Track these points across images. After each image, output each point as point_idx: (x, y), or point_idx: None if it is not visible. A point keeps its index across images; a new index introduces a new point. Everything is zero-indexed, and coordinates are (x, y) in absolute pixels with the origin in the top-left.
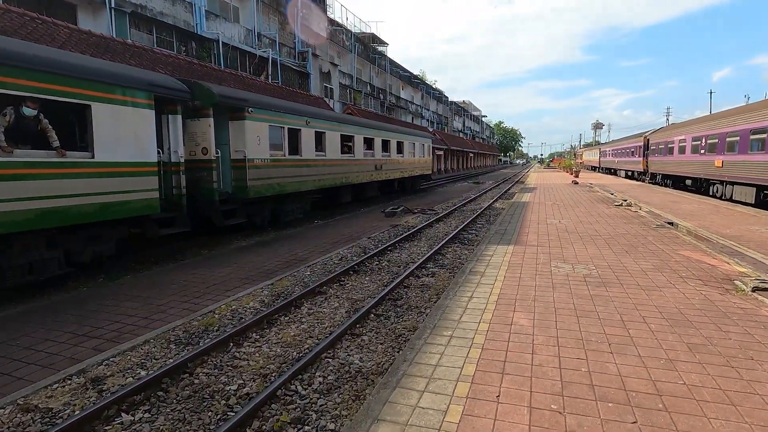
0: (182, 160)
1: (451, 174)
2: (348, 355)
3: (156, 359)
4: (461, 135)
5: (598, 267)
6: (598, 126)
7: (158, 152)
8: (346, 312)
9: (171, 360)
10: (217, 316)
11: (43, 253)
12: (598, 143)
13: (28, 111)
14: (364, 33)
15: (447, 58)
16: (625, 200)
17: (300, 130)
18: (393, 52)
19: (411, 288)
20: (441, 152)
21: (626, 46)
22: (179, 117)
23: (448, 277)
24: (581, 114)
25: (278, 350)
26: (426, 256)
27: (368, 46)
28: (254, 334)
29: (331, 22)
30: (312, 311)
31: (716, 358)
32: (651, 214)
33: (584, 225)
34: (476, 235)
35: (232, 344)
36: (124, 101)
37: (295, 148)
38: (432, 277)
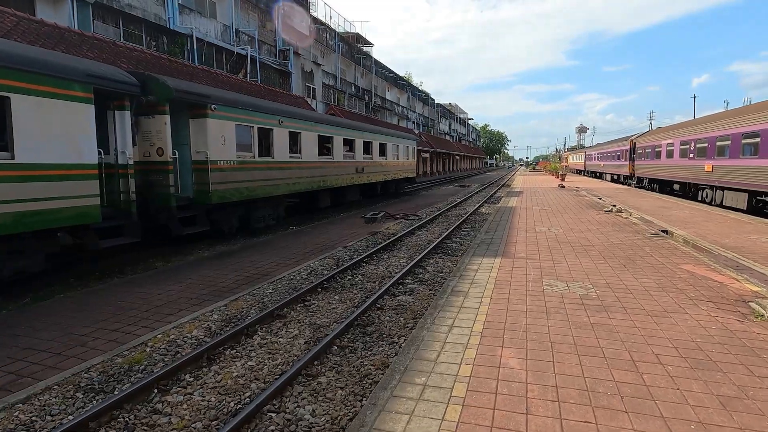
0: (130, 162)
1: (437, 177)
2: (297, 405)
3: (52, 415)
4: (448, 137)
5: (595, 285)
6: (582, 130)
7: (99, 153)
8: (305, 343)
9: (70, 417)
10: (148, 350)
11: None
12: (582, 147)
13: None
14: (348, 33)
15: (434, 61)
16: (614, 205)
17: (272, 129)
18: (379, 54)
19: (385, 310)
20: (427, 155)
21: (609, 52)
22: (128, 113)
23: (428, 295)
24: (566, 117)
25: (212, 399)
26: (405, 270)
27: (353, 46)
28: (188, 376)
29: (315, 20)
30: (265, 341)
31: (758, 421)
32: (643, 221)
33: (575, 233)
34: (461, 245)
35: (156, 391)
36: (53, 93)
37: (266, 149)
38: (410, 295)
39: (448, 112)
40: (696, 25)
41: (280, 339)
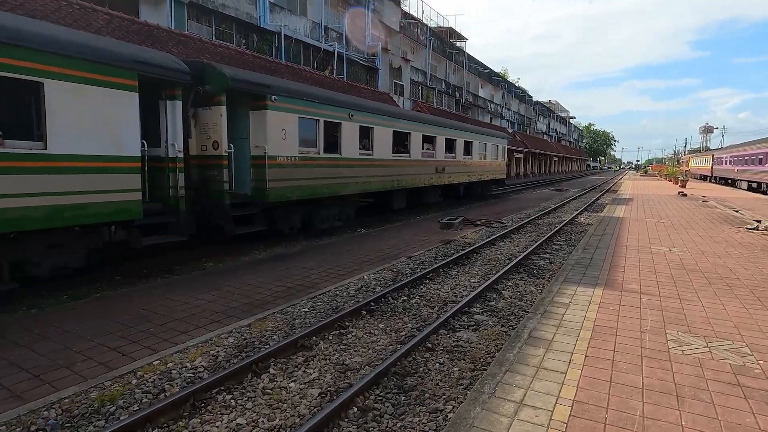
0: (180, 155)
1: (531, 179)
2: None
3: None
4: (545, 137)
5: (755, 348)
6: (708, 130)
7: (143, 144)
8: (319, 395)
9: None
10: (134, 381)
11: None
12: (708, 149)
13: None
14: (441, 27)
15: (532, 58)
16: (759, 221)
17: (340, 124)
18: (473, 50)
19: (436, 352)
20: (520, 155)
21: (743, 41)
22: (179, 103)
23: (497, 334)
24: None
25: None
26: (474, 293)
27: (445, 41)
28: None
29: (405, 15)
30: (272, 386)
31: None
32: None
33: (709, 258)
34: (550, 263)
35: None
36: (91, 79)
37: (333, 144)
38: (474, 331)
39: (546, 110)
40: None
41: (291, 384)
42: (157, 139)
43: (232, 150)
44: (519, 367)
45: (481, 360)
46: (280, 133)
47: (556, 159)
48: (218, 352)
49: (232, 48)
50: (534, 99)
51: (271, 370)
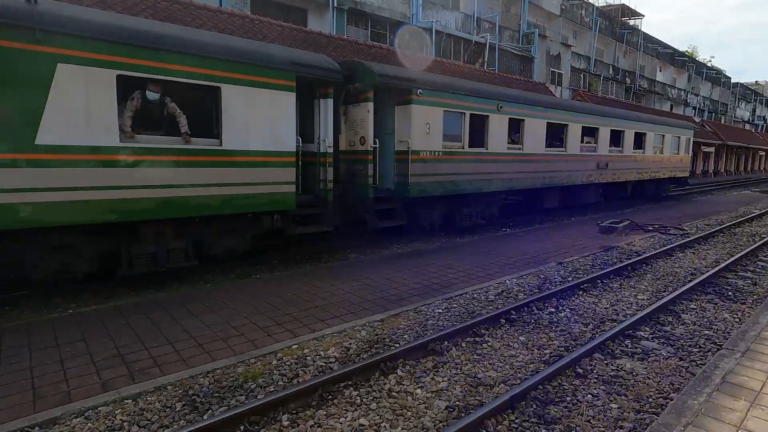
0: (329, 151)
1: (725, 178)
2: None
3: (139, 426)
4: (748, 126)
5: None
6: None
7: (298, 141)
8: (446, 408)
9: None
10: (274, 362)
11: (170, 244)
12: None
13: (151, 95)
14: (610, 5)
15: (735, 31)
16: None
17: (487, 117)
18: (650, 28)
19: (589, 380)
20: (711, 149)
21: None
22: (331, 101)
23: (672, 368)
24: None
25: None
26: (643, 313)
27: (615, 20)
28: (285, 417)
29: None
30: (399, 389)
31: None
32: None
33: None
34: (753, 284)
35: (242, 429)
36: (257, 82)
37: (478, 138)
38: (640, 360)
39: (751, 93)
40: None
41: (418, 391)
42: (311, 135)
43: (378, 145)
44: (707, 422)
45: (650, 400)
46: (424, 127)
47: (762, 154)
48: (350, 344)
49: (385, 47)
50: (733, 81)
51: (399, 372)
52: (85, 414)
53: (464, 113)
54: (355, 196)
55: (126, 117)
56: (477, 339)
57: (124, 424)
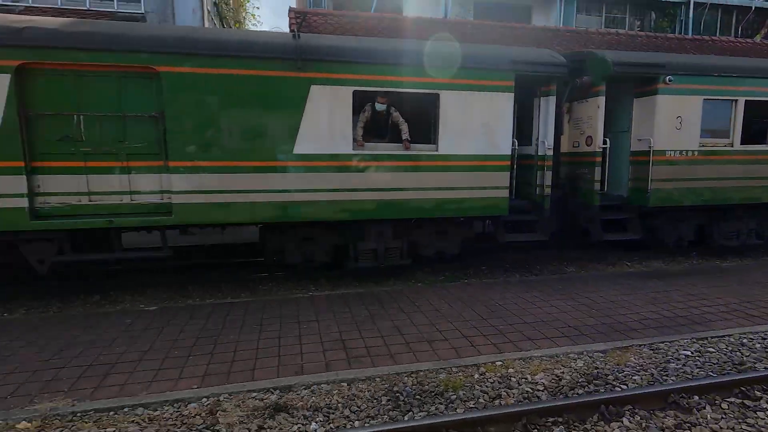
0: (549, 153)
1: None
2: None
3: (351, 411)
4: None
5: None
6: None
7: (514, 143)
8: None
9: (356, 423)
10: (476, 376)
11: (389, 242)
12: None
13: (379, 106)
14: None
15: None
16: None
17: None
18: None
19: None
20: None
21: None
22: (553, 99)
23: None
24: None
25: None
26: None
27: None
28: None
29: None
30: None
31: None
32: None
33: None
34: None
35: None
36: (476, 86)
37: (758, 132)
38: None
39: None
40: None
41: None
42: (528, 136)
43: (608, 145)
44: None
45: None
46: (673, 121)
47: None
48: (563, 373)
49: (622, 33)
50: None
51: (626, 421)
52: (311, 388)
53: (735, 100)
54: (577, 203)
55: (358, 127)
56: (747, 403)
57: (339, 405)
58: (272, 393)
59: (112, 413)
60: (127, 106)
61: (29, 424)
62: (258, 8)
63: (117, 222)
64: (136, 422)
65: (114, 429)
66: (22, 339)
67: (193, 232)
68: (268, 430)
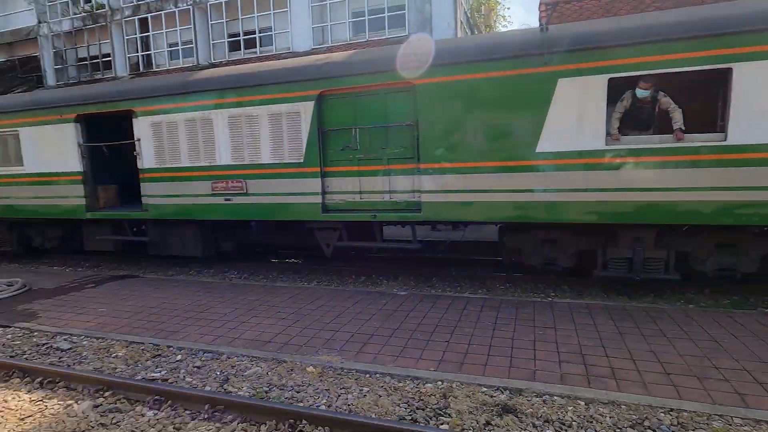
0: None
1: None
2: None
3: None
4: None
5: None
6: None
7: None
8: None
9: None
10: (646, 424)
11: (648, 252)
12: None
13: (641, 92)
14: None
15: None
16: None
17: None
18: None
19: None
20: None
21: None
22: None
23: None
24: None
25: None
26: None
27: None
28: None
29: None
30: None
31: None
32: None
33: None
34: None
35: None
36: None
37: None
38: None
39: None
40: None
41: None
42: None
43: None
44: None
45: None
46: None
47: None
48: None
49: None
50: None
51: None
52: (543, 397)
53: None
54: None
55: (614, 119)
56: None
57: (573, 423)
58: (502, 392)
59: (368, 376)
60: (390, 118)
61: (314, 369)
62: (509, 8)
63: (379, 216)
64: (384, 388)
65: (368, 389)
66: (312, 304)
67: (439, 229)
68: (495, 428)
